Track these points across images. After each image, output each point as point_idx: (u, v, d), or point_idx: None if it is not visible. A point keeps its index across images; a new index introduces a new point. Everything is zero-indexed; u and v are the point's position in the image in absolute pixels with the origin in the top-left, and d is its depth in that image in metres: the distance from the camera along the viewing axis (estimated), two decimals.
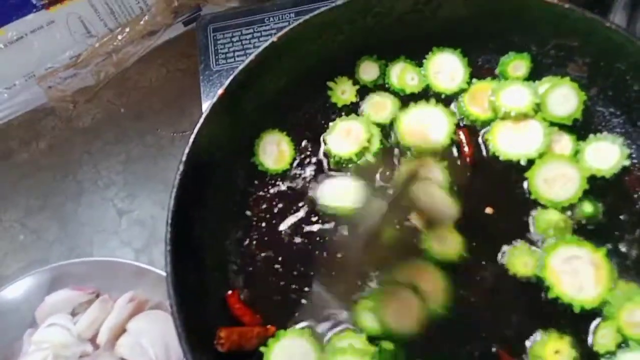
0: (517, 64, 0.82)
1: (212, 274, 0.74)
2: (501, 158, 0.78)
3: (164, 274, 0.86)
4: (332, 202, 0.78)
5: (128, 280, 0.91)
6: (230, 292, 0.73)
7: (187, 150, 0.68)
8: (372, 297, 0.71)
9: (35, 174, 1.09)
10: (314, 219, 0.78)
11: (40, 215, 1.06)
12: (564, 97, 0.77)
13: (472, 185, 0.77)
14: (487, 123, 0.80)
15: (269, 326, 0.71)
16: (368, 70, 0.85)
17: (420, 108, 0.81)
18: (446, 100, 0.84)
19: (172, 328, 0.86)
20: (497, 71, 0.83)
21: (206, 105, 0.72)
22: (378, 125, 0.82)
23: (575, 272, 0.69)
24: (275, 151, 0.82)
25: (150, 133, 1.10)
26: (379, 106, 0.84)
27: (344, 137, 0.80)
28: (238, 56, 1.00)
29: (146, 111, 1.12)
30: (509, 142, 0.78)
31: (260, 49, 0.73)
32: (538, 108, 0.78)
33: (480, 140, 0.80)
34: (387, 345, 0.68)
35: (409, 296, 0.70)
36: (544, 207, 0.75)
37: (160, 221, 1.03)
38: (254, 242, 0.78)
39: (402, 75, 0.84)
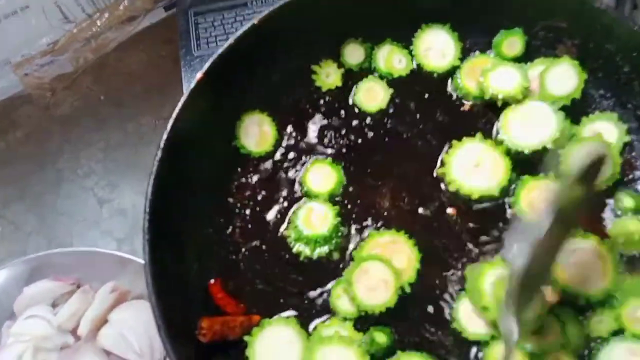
0: (511, 41, 0.80)
1: (193, 264, 0.73)
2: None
3: None
4: (317, 188, 0.77)
5: (109, 271, 0.89)
6: (212, 281, 0.71)
7: (165, 136, 0.66)
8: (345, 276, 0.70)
9: (12, 164, 1.06)
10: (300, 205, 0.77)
11: (18, 205, 1.03)
12: (563, 76, 0.75)
13: None
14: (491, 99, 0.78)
15: (253, 315, 0.70)
16: (353, 54, 0.84)
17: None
18: (439, 79, 0.82)
19: None
20: (491, 53, 0.82)
21: (186, 88, 0.70)
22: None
23: (581, 264, 0.68)
24: (257, 133, 0.80)
25: (131, 120, 1.08)
26: (371, 94, 0.82)
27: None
28: (220, 41, 0.98)
29: (127, 98, 1.09)
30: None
31: (240, 32, 0.71)
32: (527, 92, 0.77)
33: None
34: (380, 337, 0.67)
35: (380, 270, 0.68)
36: None
37: (142, 210, 1.00)
38: (237, 230, 0.77)
39: (389, 58, 0.82)
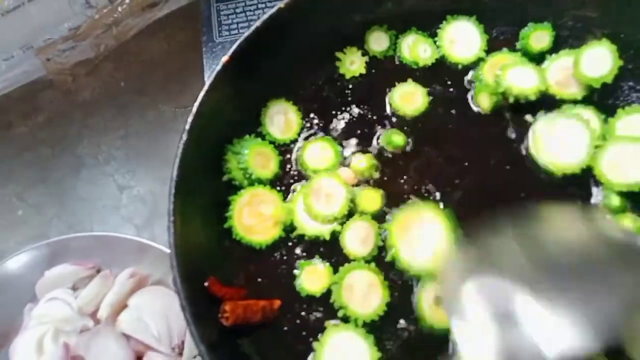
0: (539, 35, 0.79)
1: (217, 246, 0.72)
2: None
3: (165, 250, 0.86)
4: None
5: (129, 256, 0.89)
6: (206, 283, 0.67)
7: (190, 119, 0.66)
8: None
9: (34, 148, 1.07)
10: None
11: (39, 189, 1.04)
12: (599, 59, 0.74)
13: None
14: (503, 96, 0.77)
15: (274, 300, 0.70)
16: (378, 41, 0.83)
17: None
18: (463, 71, 0.81)
19: (174, 304, 0.85)
20: (518, 45, 0.81)
21: (207, 78, 0.70)
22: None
23: None
24: (282, 121, 0.80)
25: (151, 108, 1.08)
26: (409, 97, 0.80)
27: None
28: (242, 28, 0.98)
29: (147, 85, 1.10)
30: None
31: (266, 16, 0.70)
32: (540, 95, 0.75)
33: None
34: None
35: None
36: None
37: (161, 197, 1.01)
38: None
39: (415, 47, 0.81)
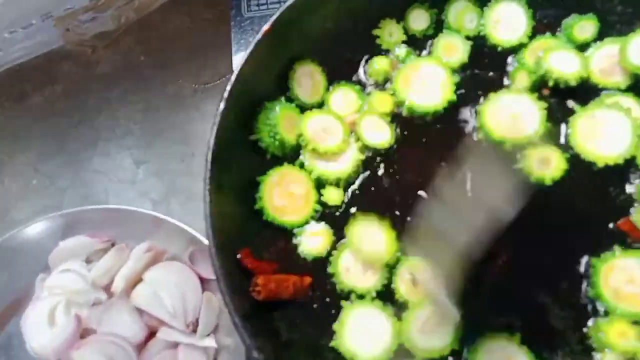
0: (583, 25, 0.77)
1: (251, 216, 0.71)
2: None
3: (182, 225, 0.85)
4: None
5: (145, 230, 0.87)
6: (239, 255, 0.66)
7: (229, 87, 0.64)
8: None
9: (50, 119, 1.05)
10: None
11: (54, 160, 1.02)
12: None
13: None
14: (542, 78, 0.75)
15: (305, 276, 0.69)
16: (418, 19, 0.81)
17: (505, 96, 0.75)
18: (503, 53, 0.79)
19: (190, 280, 0.85)
20: (560, 34, 0.79)
21: (236, 52, 0.69)
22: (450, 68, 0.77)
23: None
24: (309, 83, 0.78)
25: (171, 83, 1.06)
26: (450, 48, 0.79)
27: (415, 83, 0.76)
28: (271, 3, 0.96)
29: (168, 60, 1.08)
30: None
31: None
32: (581, 81, 0.74)
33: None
34: None
35: None
36: None
37: (178, 174, 1.00)
38: None
39: (462, 14, 0.80)
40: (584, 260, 0.68)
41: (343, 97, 0.78)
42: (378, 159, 0.76)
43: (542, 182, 0.70)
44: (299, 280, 0.67)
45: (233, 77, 0.65)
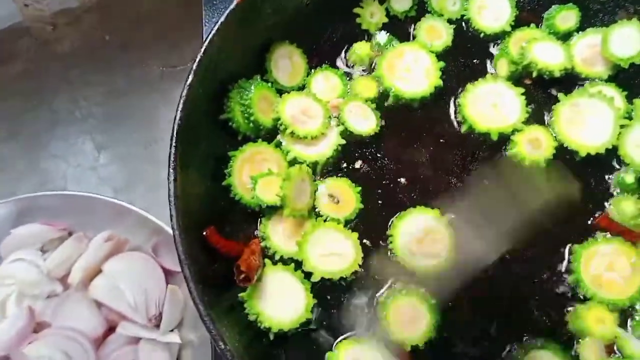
0: (565, 15, 0.76)
1: (217, 203, 0.68)
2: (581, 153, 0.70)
3: (145, 214, 0.80)
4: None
5: (105, 219, 0.82)
6: (206, 232, 0.64)
7: (197, 58, 0.60)
8: None
9: (5, 99, 0.99)
10: None
11: (9, 144, 0.96)
12: (628, 38, 0.71)
13: None
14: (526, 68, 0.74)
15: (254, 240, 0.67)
16: (400, 0, 0.78)
17: (483, 86, 0.73)
18: (486, 41, 0.78)
19: (153, 272, 0.81)
20: (542, 26, 0.77)
21: (207, 33, 0.64)
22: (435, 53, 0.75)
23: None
24: (288, 65, 0.75)
25: (137, 65, 1.01)
26: (434, 32, 0.77)
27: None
28: None
29: (134, 41, 1.03)
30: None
31: None
32: (565, 72, 0.72)
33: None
34: None
35: None
36: None
37: (142, 160, 0.95)
38: None
39: None
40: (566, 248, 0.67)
41: (325, 81, 0.75)
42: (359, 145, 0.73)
43: (537, 164, 0.69)
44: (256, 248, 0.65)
45: (202, 49, 0.61)
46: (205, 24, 0.89)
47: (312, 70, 0.76)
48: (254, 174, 0.68)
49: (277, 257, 0.67)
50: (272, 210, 0.68)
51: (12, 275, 0.78)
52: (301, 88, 0.76)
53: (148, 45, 1.02)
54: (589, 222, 0.68)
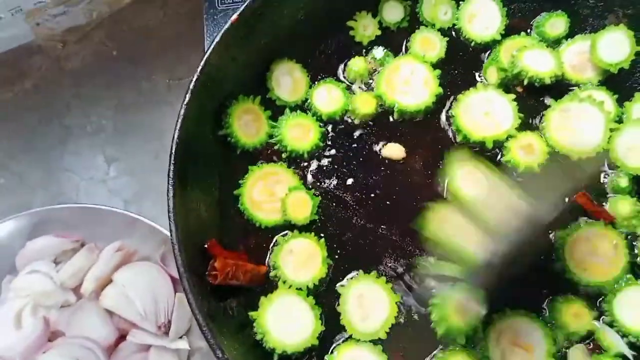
0: (554, 22, 0.77)
1: (217, 217, 0.70)
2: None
3: (154, 224, 0.83)
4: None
5: (116, 230, 0.85)
6: (207, 244, 0.65)
7: (194, 78, 0.62)
8: None
9: (19, 116, 1.02)
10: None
11: (24, 158, 0.99)
12: (616, 44, 0.72)
13: None
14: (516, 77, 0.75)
15: (261, 266, 0.68)
16: (392, 11, 0.79)
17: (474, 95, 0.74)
18: (477, 50, 0.79)
19: (162, 281, 0.83)
20: (532, 33, 0.78)
21: (209, 46, 0.66)
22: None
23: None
24: (289, 82, 0.77)
25: (145, 79, 1.04)
26: (428, 43, 0.78)
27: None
28: None
29: (141, 56, 1.05)
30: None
31: None
32: (555, 79, 0.73)
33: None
34: None
35: None
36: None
37: (151, 171, 0.97)
38: None
39: (436, 6, 0.78)
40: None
41: (327, 94, 0.77)
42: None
43: (532, 169, 0.70)
44: (255, 268, 0.66)
45: (199, 69, 0.63)
46: (207, 37, 0.91)
47: (314, 83, 0.78)
48: (264, 192, 0.70)
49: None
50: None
51: (28, 287, 0.81)
52: (304, 102, 0.77)
53: (155, 59, 1.04)
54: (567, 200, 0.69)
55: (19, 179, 0.98)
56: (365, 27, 0.79)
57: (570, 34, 0.76)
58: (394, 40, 0.79)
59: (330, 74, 0.79)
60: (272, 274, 0.68)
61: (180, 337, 0.81)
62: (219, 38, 0.64)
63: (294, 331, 0.65)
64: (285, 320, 0.65)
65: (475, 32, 0.78)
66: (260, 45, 0.73)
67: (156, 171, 0.97)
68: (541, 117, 0.73)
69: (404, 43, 0.79)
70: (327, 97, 0.76)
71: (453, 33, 0.79)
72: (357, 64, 0.77)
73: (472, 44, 0.78)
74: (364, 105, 0.75)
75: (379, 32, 0.79)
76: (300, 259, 0.69)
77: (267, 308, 0.65)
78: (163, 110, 1.01)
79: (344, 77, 0.78)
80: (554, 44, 0.77)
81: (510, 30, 0.78)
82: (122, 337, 0.81)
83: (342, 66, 0.78)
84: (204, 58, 0.63)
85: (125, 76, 1.04)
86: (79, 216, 0.86)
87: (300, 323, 0.66)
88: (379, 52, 0.78)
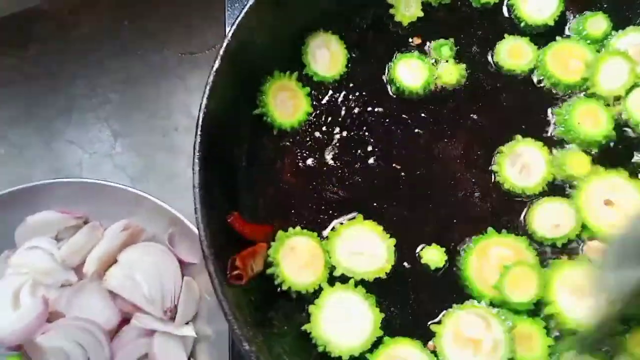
0: (592, 22, 0.73)
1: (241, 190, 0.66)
2: None
3: (162, 204, 0.78)
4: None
5: (121, 208, 0.81)
6: (230, 218, 0.61)
7: (225, 42, 0.59)
8: None
9: (22, 83, 0.97)
10: None
11: (25, 128, 0.94)
12: None
13: None
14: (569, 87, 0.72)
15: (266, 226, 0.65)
16: None
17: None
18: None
19: (169, 263, 0.79)
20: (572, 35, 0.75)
21: (230, 18, 0.62)
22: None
23: None
24: (326, 55, 0.72)
25: (155, 51, 0.99)
26: (516, 52, 0.73)
27: None
28: None
29: (152, 26, 1.00)
30: None
31: None
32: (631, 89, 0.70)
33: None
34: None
35: None
36: None
37: (159, 149, 0.93)
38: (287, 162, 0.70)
39: None
40: None
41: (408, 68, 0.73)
42: None
43: None
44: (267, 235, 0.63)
45: (230, 33, 0.58)
46: (228, 8, 0.86)
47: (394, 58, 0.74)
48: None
49: (336, 274, 0.65)
50: None
51: (27, 264, 0.77)
52: (342, 77, 0.73)
53: (167, 30, 0.99)
54: None
55: (19, 149, 0.93)
56: (407, 6, 0.75)
57: (622, 24, 0.73)
58: (434, 25, 0.75)
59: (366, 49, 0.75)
60: (269, 270, 0.64)
61: (187, 324, 0.77)
62: (251, 4, 0.60)
63: (354, 330, 0.62)
64: (342, 321, 0.62)
65: (528, 13, 0.74)
66: (295, 15, 0.69)
67: (164, 149, 0.93)
68: None
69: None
70: (409, 71, 0.72)
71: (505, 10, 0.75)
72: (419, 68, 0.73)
73: (522, 24, 0.74)
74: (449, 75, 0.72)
75: (421, 14, 0.75)
76: (302, 259, 0.65)
77: (317, 315, 0.62)
78: (174, 85, 0.97)
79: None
80: (600, 43, 0.74)
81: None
82: (125, 321, 0.77)
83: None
84: (236, 22, 0.60)
85: (134, 47, 0.99)
86: (82, 192, 0.81)
87: (358, 319, 0.63)
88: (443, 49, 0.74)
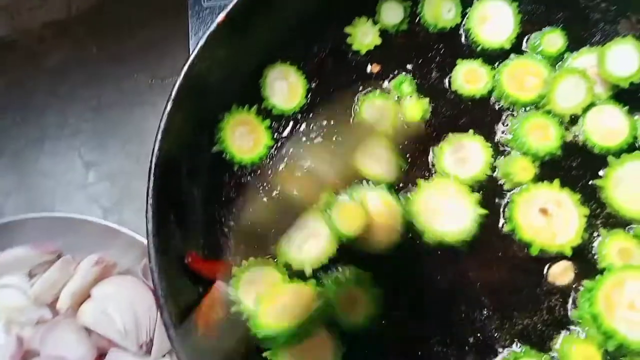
0: (549, 38, 0.73)
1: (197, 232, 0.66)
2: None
3: (135, 235, 0.78)
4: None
5: (94, 241, 0.81)
6: (188, 259, 0.61)
7: (177, 84, 0.58)
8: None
9: None
10: None
11: None
12: (625, 57, 0.68)
13: None
14: (526, 105, 0.72)
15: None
16: (391, 13, 0.75)
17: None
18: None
19: (143, 296, 0.79)
20: (529, 52, 0.75)
21: (194, 45, 0.61)
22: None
23: None
24: (285, 87, 0.72)
25: (126, 78, 0.98)
26: (472, 76, 0.73)
27: None
28: None
29: (122, 53, 0.99)
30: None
31: None
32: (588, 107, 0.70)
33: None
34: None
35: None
36: None
37: (133, 177, 0.93)
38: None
39: (438, 4, 0.74)
40: None
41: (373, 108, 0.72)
42: None
43: None
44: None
45: (182, 74, 0.58)
46: (192, 37, 0.86)
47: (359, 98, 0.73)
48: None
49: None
50: None
51: (0, 303, 0.76)
52: (302, 108, 0.73)
53: (137, 57, 0.99)
54: None
55: None
56: (364, 34, 0.75)
57: (576, 45, 0.73)
58: (392, 52, 0.75)
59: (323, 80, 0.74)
60: (233, 309, 0.62)
61: (163, 357, 0.77)
62: (204, 40, 0.59)
63: None
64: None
65: (486, 37, 0.74)
66: (251, 48, 0.68)
67: (137, 176, 0.93)
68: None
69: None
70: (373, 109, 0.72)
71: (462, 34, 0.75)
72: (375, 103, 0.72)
73: (479, 48, 0.74)
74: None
75: (378, 42, 0.75)
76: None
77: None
78: (145, 111, 0.97)
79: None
80: (555, 61, 0.73)
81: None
82: (100, 357, 0.76)
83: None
84: (188, 62, 0.59)
85: (105, 75, 0.98)
86: (55, 226, 0.81)
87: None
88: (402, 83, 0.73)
